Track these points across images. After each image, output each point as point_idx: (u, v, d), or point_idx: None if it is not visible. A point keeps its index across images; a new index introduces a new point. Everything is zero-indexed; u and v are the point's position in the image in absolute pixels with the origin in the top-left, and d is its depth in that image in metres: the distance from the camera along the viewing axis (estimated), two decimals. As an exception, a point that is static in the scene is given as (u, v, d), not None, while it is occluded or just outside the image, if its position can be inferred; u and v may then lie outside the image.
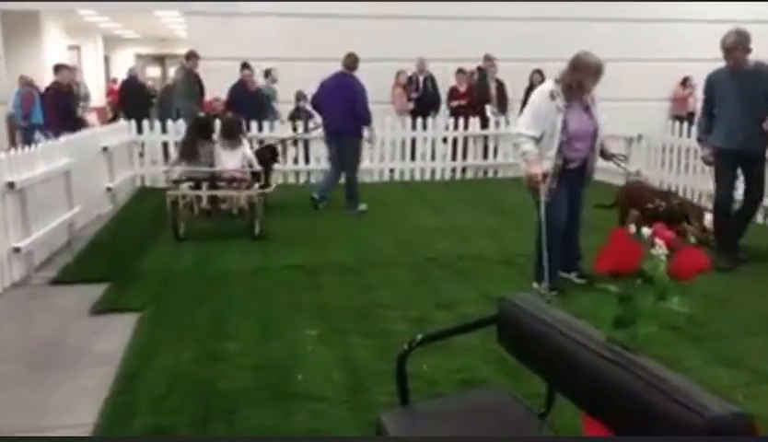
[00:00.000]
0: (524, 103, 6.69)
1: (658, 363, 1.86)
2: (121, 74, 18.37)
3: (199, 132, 7.87)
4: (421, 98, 12.43)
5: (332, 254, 6.62)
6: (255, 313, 4.99)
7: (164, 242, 7.07)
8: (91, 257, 6.59)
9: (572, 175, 5.25)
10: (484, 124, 11.67)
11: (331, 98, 8.48)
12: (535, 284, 5.37)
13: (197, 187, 7.29)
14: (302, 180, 11.01)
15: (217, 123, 8.60)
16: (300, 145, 10.90)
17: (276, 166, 9.31)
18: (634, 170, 9.08)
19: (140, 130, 10.48)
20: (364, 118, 8.54)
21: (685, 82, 14.45)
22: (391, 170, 11.30)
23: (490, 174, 11.73)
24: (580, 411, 2.18)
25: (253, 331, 4.63)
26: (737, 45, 5.71)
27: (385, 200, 9.24)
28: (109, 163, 8.93)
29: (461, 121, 11.43)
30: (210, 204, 7.26)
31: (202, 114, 10.28)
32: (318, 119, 10.45)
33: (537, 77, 11.51)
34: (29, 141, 8.05)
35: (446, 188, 10.75)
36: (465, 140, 11.55)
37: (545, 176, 5.15)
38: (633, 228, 2.02)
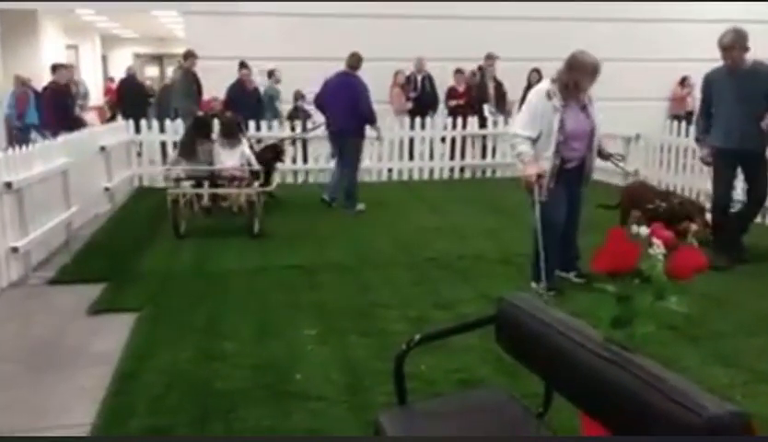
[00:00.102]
0: (522, 102, 6.70)
1: (656, 362, 1.86)
2: (118, 73, 18.36)
3: (198, 130, 7.91)
4: (419, 97, 12.43)
5: (331, 254, 6.62)
6: (253, 313, 4.98)
7: (162, 242, 7.07)
8: (89, 257, 6.58)
9: (570, 175, 5.24)
10: (483, 124, 11.67)
11: (334, 97, 8.49)
12: (533, 284, 5.37)
13: (198, 185, 7.34)
14: (300, 179, 11.00)
15: (216, 123, 8.61)
16: (299, 144, 10.89)
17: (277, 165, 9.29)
18: (632, 170, 9.11)
19: (138, 129, 10.47)
20: (369, 117, 8.56)
21: (683, 82, 14.46)
22: (390, 170, 11.30)
23: (488, 174, 11.72)
24: (578, 410, 2.17)
25: (251, 330, 4.63)
26: (734, 44, 5.70)
27: (383, 199, 9.24)
28: (106, 163, 8.92)
29: (459, 120, 11.43)
30: (211, 202, 7.32)
31: (200, 113, 10.28)
32: (316, 118, 10.49)
33: (535, 77, 11.51)
34: (23, 141, 8.02)
35: (444, 187, 10.75)
36: (463, 139, 11.55)
37: (539, 177, 5.15)
38: (634, 229, 2.01)
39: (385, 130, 10.77)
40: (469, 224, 7.90)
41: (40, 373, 4.05)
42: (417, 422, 2.40)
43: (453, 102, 12.46)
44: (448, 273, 5.97)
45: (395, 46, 12.32)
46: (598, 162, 5.56)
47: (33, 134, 10.75)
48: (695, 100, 14.06)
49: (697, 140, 6.48)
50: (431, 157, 11.50)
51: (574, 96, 5.13)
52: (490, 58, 12.36)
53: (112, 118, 14.61)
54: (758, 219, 6.88)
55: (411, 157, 11.37)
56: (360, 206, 8.62)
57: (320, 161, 10.90)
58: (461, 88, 12.54)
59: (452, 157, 11.55)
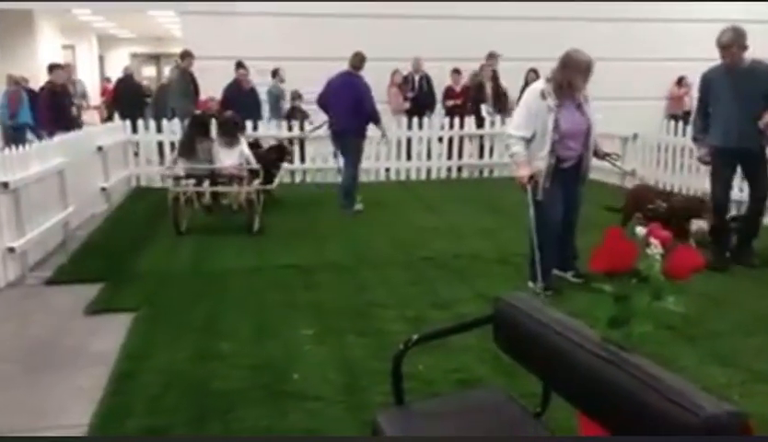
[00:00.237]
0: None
1: (654, 362, 1.86)
2: (115, 73, 18.34)
3: (197, 129, 7.97)
4: (416, 97, 12.43)
5: (329, 253, 6.62)
6: (251, 313, 4.98)
7: (159, 242, 7.06)
8: (86, 257, 6.57)
9: (566, 174, 5.23)
10: (480, 124, 11.67)
11: (337, 97, 8.50)
12: (531, 284, 5.37)
13: (198, 183, 7.43)
14: (298, 179, 10.99)
15: (215, 123, 8.61)
16: (296, 144, 10.88)
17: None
18: (629, 169, 9.12)
19: (135, 129, 10.45)
20: (373, 117, 8.62)
21: (681, 81, 14.48)
22: (387, 170, 11.29)
23: (486, 173, 11.72)
24: (576, 410, 2.18)
25: (249, 330, 4.63)
26: (733, 43, 5.68)
27: (381, 199, 9.24)
28: (103, 163, 8.91)
29: (457, 120, 11.43)
30: (211, 200, 7.45)
31: (198, 112, 10.28)
32: (314, 118, 10.51)
33: (532, 76, 11.52)
34: (15, 140, 7.99)
35: (442, 187, 10.75)
36: (461, 139, 11.55)
37: (532, 177, 5.15)
38: (636, 229, 2.01)
39: (378, 130, 10.79)
40: (466, 223, 7.90)
41: (38, 373, 4.04)
42: (415, 422, 2.40)
43: (450, 102, 12.47)
44: (446, 273, 5.96)
45: (393, 46, 12.32)
46: (594, 161, 5.55)
47: (29, 135, 10.70)
48: (693, 100, 14.10)
49: (695, 139, 6.45)
50: (428, 156, 11.50)
51: (568, 95, 5.12)
52: (492, 57, 12.39)
53: (109, 118, 14.58)
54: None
55: (408, 156, 11.36)
56: (358, 206, 8.62)
57: (317, 161, 10.89)
58: (458, 88, 12.55)
59: (450, 157, 11.55)
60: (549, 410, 2.47)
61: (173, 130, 10.27)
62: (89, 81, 19.62)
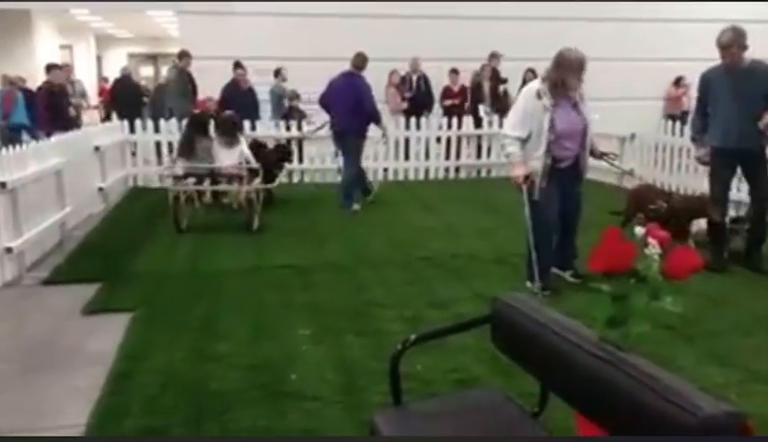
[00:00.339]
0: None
1: (651, 362, 1.86)
2: (113, 73, 18.32)
3: (196, 128, 8.04)
4: (414, 97, 12.42)
5: (326, 253, 6.62)
6: (248, 313, 4.98)
7: (156, 242, 7.05)
8: (83, 257, 6.56)
9: (563, 174, 5.22)
10: (478, 124, 11.67)
11: (339, 97, 8.55)
12: (528, 284, 5.37)
13: (198, 182, 7.50)
14: (296, 179, 10.98)
15: (215, 122, 8.67)
16: (295, 144, 10.86)
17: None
18: (627, 169, 9.11)
19: (132, 129, 10.43)
20: (373, 117, 8.70)
21: (679, 81, 14.48)
22: (385, 170, 11.28)
23: (483, 174, 11.71)
24: (573, 410, 2.17)
25: (247, 330, 4.62)
26: (732, 43, 5.64)
27: (379, 199, 9.23)
28: (101, 163, 8.89)
29: (455, 120, 11.43)
30: (212, 199, 7.54)
31: (197, 111, 10.29)
32: (312, 118, 10.51)
33: (530, 76, 11.50)
34: (11, 141, 7.97)
35: (439, 187, 10.75)
36: (459, 139, 11.54)
37: (527, 177, 5.14)
38: (637, 229, 2.00)
39: (379, 130, 10.79)
40: (464, 223, 7.90)
41: (35, 373, 4.04)
42: (413, 422, 2.40)
43: (448, 102, 12.47)
44: (444, 273, 5.96)
45: (391, 46, 12.30)
46: (591, 161, 5.55)
47: (25, 136, 10.66)
48: (691, 100, 14.13)
49: (693, 139, 6.39)
50: (426, 156, 11.49)
51: (564, 94, 5.12)
52: (494, 57, 12.42)
53: (107, 118, 14.55)
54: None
55: (406, 157, 11.36)
56: (356, 206, 8.63)
57: (315, 161, 10.89)
58: (456, 88, 12.55)
59: (447, 157, 11.54)
60: (547, 410, 2.46)
61: (171, 130, 10.26)
62: (87, 81, 19.57)
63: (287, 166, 10.47)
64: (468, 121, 11.56)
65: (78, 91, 12.45)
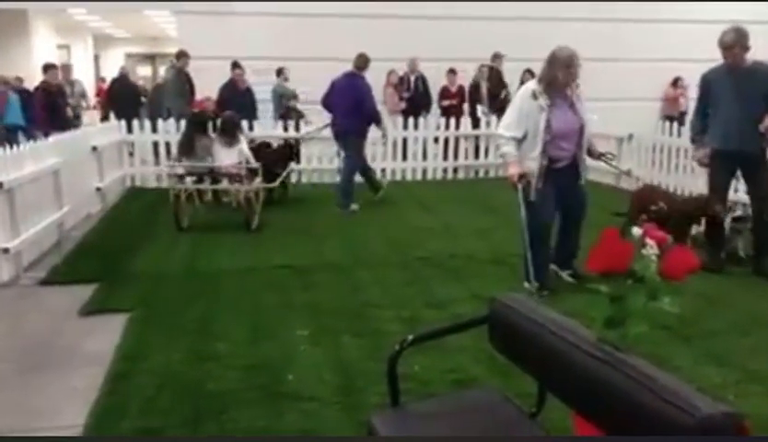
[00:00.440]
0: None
1: (649, 362, 1.86)
2: (111, 73, 18.28)
3: (196, 127, 8.17)
4: (412, 97, 12.42)
5: (325, 253, 6.62)
6: (246, 313, 4.97)
7: (154, 242, 7.05)
8: (81, 257, 6.55)
9: (560, 174, 5.20)
10: (476, 124, 11.68)
11: (339, 97, 8.63)
12: (526, 284, 5.37)
13: (199, 181, 7.62)
14: (293, 179, 10.95)
15: (216, 122, 8.83)
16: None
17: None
18: (625, 169, 9.12)
19: (130, 129, 10.42)
20: (373, 117, 8.78)
21: (676, 82, 14.51)
22: (383, 170, 11.27)
23: (481, 174, 11.72)
24: (571, 411, 2.17)
25: (244, 331, 4.61)
26: (735, 43, 5.60)
27: (377, 199, 9.23)
28: (98, 163, 8.88)
29: (453, 121, 11.43)
30: (213, 197, 7.70)
31: (196, 111, 10.31)
32: (312, 118, 10.52)
33: (527, 77, 11.49)
34: (8, 141, 7.95)
35: (437, 187, 10.75)
36: (456, 140, 11.55)
37: (522, 177, 5.14)
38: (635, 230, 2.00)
39: (379, 130, 10.80)
40: (462, 224, 7.90)
41: (32, 374, 4.03)
42: (410, 423, 2.40)
43: (446, 102, 12.47)
44: (441, 273, 5.96)
45: (389, 46, 12.29)
46: (589, 161, 5.53)
47: (21, 136, 10.63)
48: (688, 101, 14.16)
49: (693, 141, 6.32)
50: (424, 157, 11.50)
51: (560, 94, 5.11)
52: (497, 57, 12.45)
53: (105, 118, 14.53)
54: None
55: (404, 157, 11.36)
56: (354, 207, 8.65)
57: (312, 161, 10.88)
58: (454, 89, 12.55)
59: (445, 158, 11.55)
60: (544, 410, 2.47)
61: (168, 130, 10.25)
62: (85, 81, 19.56)
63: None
64: (466, 121, 11.56)
65: (78, 92, 12.42)
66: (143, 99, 14.50)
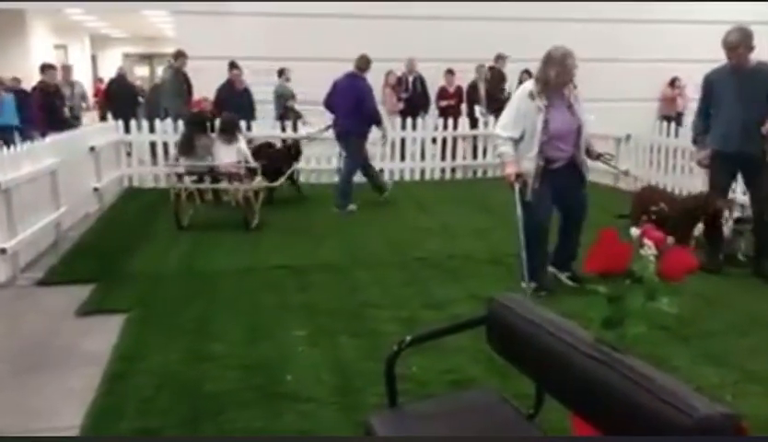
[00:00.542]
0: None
1: (647, 363, 1.85)
2: (108, 73, 18.27)
3: (195, 127, 8.23)
4: (410, 98, 12.43)
5: (323, 253, 6.61)
6: (244, 313, 4.96)
7: (152, 242, 7.04)
8: (78, 257, 6.54)
9: (557, 175, 5.18)
10: (474, 124, 11.68)
11: (341, 98, 8.68)
12: (523, 284, 5.37)
13: (199, 180, 7.72)
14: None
15: (216, 122, 8.91)
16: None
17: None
18: (623, 169, 9.13)
19: (128, 129, 10.41)
20: (374, 118, 8.82)
21: (673, 82, 14.52)
22: (381, 170, 11.26)
23: (479, 174, 11.72)
24: (569, 411, 2.17)
25: (242, 331, 4.61)
26: (739, 43, 5.53)
27: (375, 200, 9.22)
28: (96, 163, 8.88)
29: (450, 121, 11.43)
30: (213, 196, 7.79)
31: (195, 110, 10.32)
32: (310, 118, 10.52)
33: (525, 77, 11.51)
34: (5, 142, 7.94)
35: (435, 188, 10.75)
36: (454, 140, 11.55)
37: (518, 176, 5.14)
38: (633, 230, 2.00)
39: (375, 130, 10.79)
40: (460, 224, 7.90)
41: (29, 374, 4.02)
42: (408, 423, 2.39)
43: (444, 103, 12.48)
44: (439, 273, 5.96)
45: (387, 47, 12.28)
46: (588, 162, 5.52)
47: (17, 137, 10.59)
48: (685, 101, 14.18)
49: (695, 141, 6.24)
50: (422, 157, 11.50)
51: (557, 94, 5.11)
52: (500, 58, 12.47)
53: (103, 118, 14.50)
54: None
55: (402, 157, 11.36)
56: (352, 207, 8.66)
57: (311, 162, 10.87)
58: (452, 89, 12.56)
59: (443, 158, 11.55)
60: (542, 411, 2.46)
61: (166, 130, 10.26)
62: (82, 81, 19.56)
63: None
64: (464, 121, 11.57)
65: (78, 93, 12.35)
66: (140, 100, 14.48)
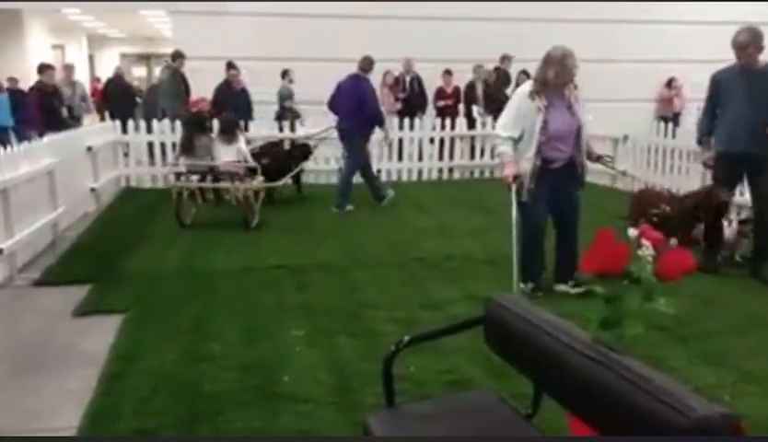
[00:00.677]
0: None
1: (645, 363, 1.85)
2: (105, 73, 18.25)
3: (194, 127, 8.31)
4: (408, 98, 12.43)
5: (321, 253, 6.61)
6: (241, 314, 4.96)
7: (149, 242, 7.03)
8: (75, 258, 6.53)
9: (555, 176, 5.15)
10: (471, 125, 11.69)
11: (344, 98, 8.73)
12: (521, 285, 5.37)
13: (201, 179, 7.81)
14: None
15: (216, 122, 9.01)
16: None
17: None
18: (620, 170, 9.14)
19: (125, 130, 10.39)
20: (376, 119, 8.87)
21: (670, 83, 14.54)
22: (379, 171, 11.26)
23: (476, 174, 11.73)
24: (567, 412, 2.17)
25: (239, 331, 4.61)
26: (749, 43, 5.48)
27: (373, 200, 9.22)
28: (93, 163, 8.87)
29: (448, 121, 11.44)
30: (214, 195, 7.89)
31: (195, 110, 10.31)
32: (309, 118, 10.55)
33: (523, 78, 11.52)
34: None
35: (433, 188, 10.75)
36: (452, 140, 11.55)
37: (516, 177, 5.13)
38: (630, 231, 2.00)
39: (380, 131, 10.80)
40: (457, 224, 7.91)
41: (26, 375, 4.01)
42: (406, 423, 2.39)
43: (441, 103, 12.48)
44: (437, 274, 5.96)
45: (384, 47, 12.25)
46: (588, 165, 5.50)
47: (13, 137, 10.58)
48: (682, 101, 14.21)
49: (699, 142, 6.18)
50: (420, 157, 11.50)
51: (557, 94, 5.09)
52: (506, 59, 12.50)
53: (102, 119, 14.48)
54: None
55: (400, 157, 11.36)
56: (349, 207, 8.68)
57: (309, 162, 10.85)
58: (449, 89, 12.57)
59: (441, 158, 11.55)
60: (540, 411, 2.46)
61: (163, 130, 10.26)
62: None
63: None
64: (461, 122, 11.58)
65: (79, 93, 12.32)
66: (138, 100, 14.46)
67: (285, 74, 12.03)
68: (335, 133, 9.20)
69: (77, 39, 22.13)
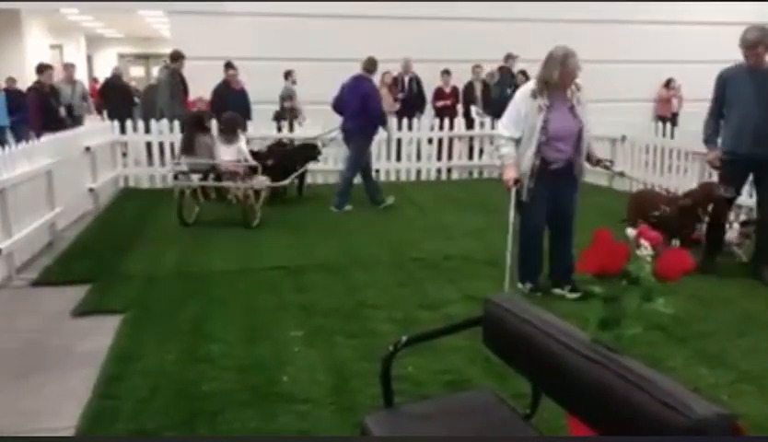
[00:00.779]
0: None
1: (644, 363, 1.86)
2: (104, 73, 18.23)
3: (194, 126, 8.33)
4: (406, 98, 12.43)
5: (320, 254, 6.61)
6: (240, 314, 4.96)
7: (148, 243, 7.02)
8: (73, 258, 6.52)
9: (554, 176, 5.13)
10: (470, 125, 11.69)
11: (347, 99, 8.77)
12: (520, 285, 5.37)
13: (203, 178, 7.90)
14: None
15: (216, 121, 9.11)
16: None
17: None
18: (618, 170, 9.15)
19: (123, 130, 10.39)
20: (379, 119, 8.90)
21: (668, 83, 14.55)
22: (377, 171, 11.25)
23: (475, 174, 11.74)
24: (565, 412, 2.17)
25: (238, 332, 4.60)
26: (759, 42, 5.40)
27: (370, 202, 9.22)
28: (91, 163, 8.86)
29: (447, 121, 11.44)
30: (216, 194, 7.96)
31: (195, 110, 10.31)
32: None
33: (521, 79, 11.54)
34: None
35: (431, 188, 10.75)
36: (450, 140, 11.56)
37: (517, 181, 5.12)
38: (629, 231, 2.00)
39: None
40: (456, 224, 7.91)
41: (25, 375, 4.01)
42: (404, 424, 2.39)
43: (440, 103, 12.49)
44: (435, 274, 5.96)
45: (383, 47, 12.21)
46: (585, 166, 5.48)
47: (9, 137, 10.57)
48: (681, 102, 14.21)
49: (706, 142, 6.06)
50: (418, 157, 11.50)
51: (559, 94, 5.08)
52: (510, 58, 12.51)
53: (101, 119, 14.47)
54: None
55: (398, 157, 11.36)
56: (348, 207, 8.70)
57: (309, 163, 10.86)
58: (448, 89, 12.57)
59: (439, 158, 11.56)
60: (539, 411, 2.47)
61: (161, 131, 10.25)
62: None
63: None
64: (460, 122, 11.58)
65: (79, 93, 12.29)
66: (136, 100, 14.44)
67: (288, 74, 12.01)
68: (341, 134, 9.23)
69: (76, 39, 22.12)
